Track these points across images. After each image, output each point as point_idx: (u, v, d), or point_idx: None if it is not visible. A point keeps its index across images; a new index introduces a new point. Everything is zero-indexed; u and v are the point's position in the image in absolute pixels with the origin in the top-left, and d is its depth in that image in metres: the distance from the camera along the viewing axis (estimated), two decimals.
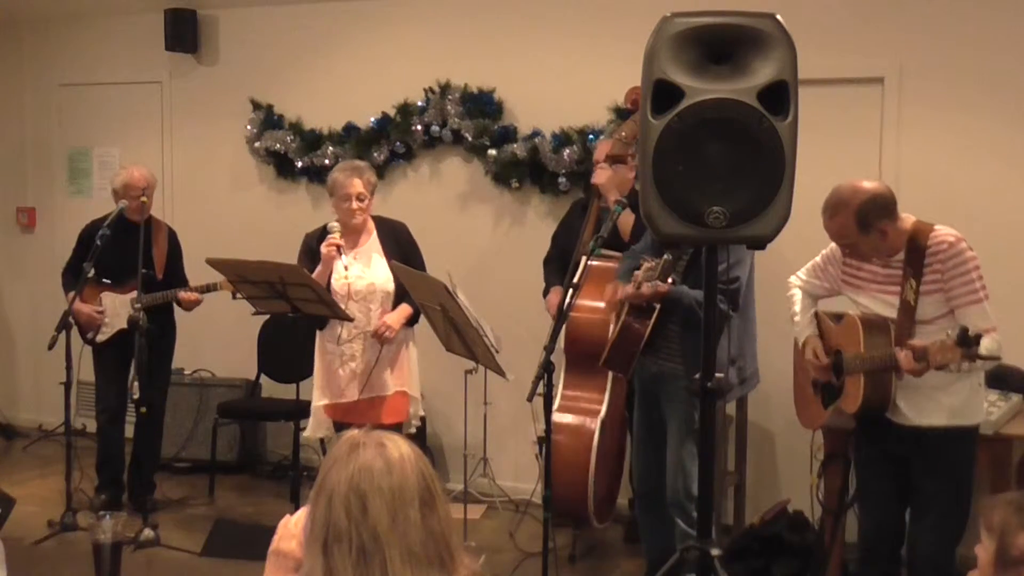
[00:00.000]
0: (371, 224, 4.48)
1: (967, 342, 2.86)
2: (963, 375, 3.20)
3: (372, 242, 4.45)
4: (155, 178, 5.17)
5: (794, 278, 3.68)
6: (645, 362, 3.86)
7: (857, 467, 3.64)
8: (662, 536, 3.94)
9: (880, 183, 3.32)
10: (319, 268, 4.33)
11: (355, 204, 4.33)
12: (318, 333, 4.48)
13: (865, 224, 3.19)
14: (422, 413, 4.63)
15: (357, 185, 4.33)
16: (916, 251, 3.21)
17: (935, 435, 3.26)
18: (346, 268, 4.32)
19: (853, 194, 3.22)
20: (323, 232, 4.44)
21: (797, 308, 3.62)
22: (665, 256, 3.37)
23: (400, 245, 4.45)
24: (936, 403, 3.25)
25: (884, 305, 3.31)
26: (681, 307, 3.64)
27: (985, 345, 2.97)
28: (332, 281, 4.35)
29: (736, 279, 3.66)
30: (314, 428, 4.54)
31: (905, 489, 3.42)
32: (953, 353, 2.89)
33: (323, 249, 4.30)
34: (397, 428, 4.34)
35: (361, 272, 4.37)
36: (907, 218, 3.28)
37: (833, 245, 3.49)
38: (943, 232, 3.22)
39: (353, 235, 4.42)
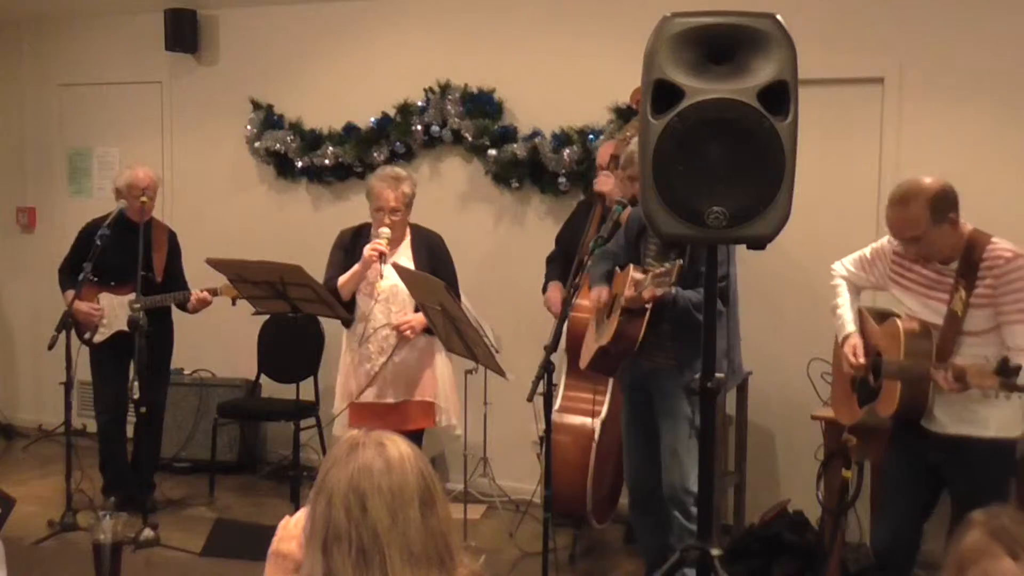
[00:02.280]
0: (406, 230, 4.47)
1: (1007, 372, 2.83)
2: None
3: (404, 248, 4.43)
4: (158, 179, 5.17)
5: (839, 266, 3.61)
6: (635, 361, 3.85)
7: (884, 473, 3.57)
8: (659, 537, 3.93)
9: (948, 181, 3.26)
10: (356, 267, 4.32)
11: (388, 218, 4.31)
12: (345, 332, 4.49)
13: (937, 214, 3.14)
14: (455, 422, 4.57)
15: (391, 199, 4.29)
16: (970, 261, 3.16)
17: (974, 445, 3.19)
18: (381, 276, 4.29)
19: (923, 185, 3.18)
20: (358, 230, 4.44)
21: (840, 300, 3.55)
22: (679, 261, 3.35)
23: (432, 256, 4.43)
24: (975, 415, 3.19)
25: (930, 311, 3.25)
26: (677, 309, 3.64)
27: None
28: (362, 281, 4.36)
29: (726, 276, 3.66)
30: (340, 427, 4.56)
31: (930, 500, 3.38)
32: (991, 380, 2.86)
33: (366, 251, 4.27)
34: (418, 435, 4.34)
35: (387, 274, 4.34)
36: (965, 225, 3.24)
37: (883, 240, 3.46)
38: (1001, 245, 3.18)
39: (393, 241, 4.38)
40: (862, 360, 3.41)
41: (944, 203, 3.16)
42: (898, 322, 3.32)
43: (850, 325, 3.49)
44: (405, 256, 4.41)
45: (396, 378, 4.36)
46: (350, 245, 4.45)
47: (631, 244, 3.88)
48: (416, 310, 4.34)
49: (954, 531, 3.24)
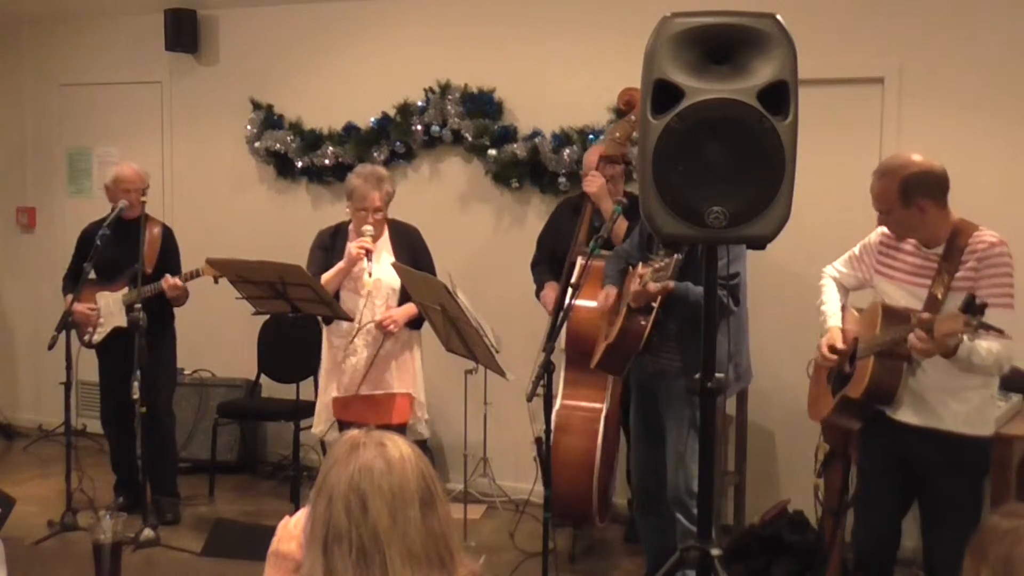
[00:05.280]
0: (385, 225, 4.48)
1: (972, 308, 2.80)
2: (977, 385, 3.18)
3: (383, 242, 4.44)
4: (146, 175, 5.14)
5: (829, 268, 3.65)
6: (642, 361, 3.86)
7: (860, 473, 3.59)
8: (661, 536, 3.93)
9: (938, 163, 3.25)
10: (341, 265, 4.31)
11: (372, 217, 4.31)
12: (325, 328, 4.49)
13: (906, 196, 3.16)
14: (427, 417, 4.58)
15: (375, 199, 4.30)
16: (955, 247, 3.18)
17: (943, 439, 3.21)
18: (369, 275, 4.29)
19: (906, 163, 3.21)
20: (336, 229, 4.46)
21: (825, 297, 3.57)
22: (676, 255, 3.35)
23: (412, 249, 4.45)
24: (944, 407, 3.20)
25: (912, 297, 3.26)
26: (687, 305, 3.64)
27: (991, 347, 2.98)
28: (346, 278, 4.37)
29: (736, 275, 3.67)
30: (320, 423, 4.56)
31: (907, 496, 3.39)
32: (956, 321, 2.82)
33: (352, 248, 4.27)
34: (401, 429, 4.34)
35: (373, 271, 4.37)
36: (952, 213, 3.25)
37: (872, 235, 3.48)
38: (987, 233, 3.19)
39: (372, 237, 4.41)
40: (840, 346, 3.40)
41: (918, 187, 3.16)
42: (877, 303, 3.35)
43: (832, 319, 3.51)
44: (386, 250, 4.42)
45: (383, 371, 4.36)
46: (330, 244, 4.46)
47: (643, 244, 3.88)
48: (400, 304, 4.36)
49: (935, 532, 3.27)
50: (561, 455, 4.35)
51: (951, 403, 3.19)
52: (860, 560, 3.57)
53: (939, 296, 3.16)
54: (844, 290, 3.61)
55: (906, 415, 3.27)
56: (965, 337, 2.87)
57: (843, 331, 3.46)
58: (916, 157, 3.25)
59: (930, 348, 2.98)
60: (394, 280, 4.35)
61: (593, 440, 4.42)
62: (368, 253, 4.26)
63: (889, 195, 3.20)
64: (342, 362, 4.39)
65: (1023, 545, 1.81)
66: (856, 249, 3.57)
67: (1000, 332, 2.83)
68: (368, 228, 4.29)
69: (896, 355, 3.18)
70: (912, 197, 3.17)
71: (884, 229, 3.41)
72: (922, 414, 3.23)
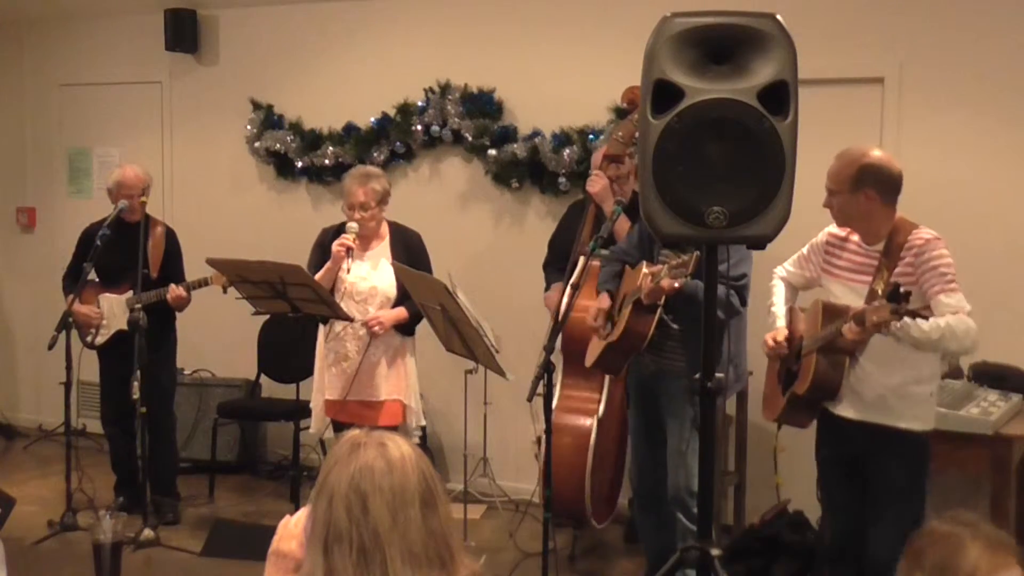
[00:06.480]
0: (386, 230, 4.48)
1: (896, 297, 2.90)
2: (914, 380, 3.26)
3: (383, 247, 4.44)
4: (148, 177, 5.14)
5: (779, 269, 3.73)
6: (642, 360, 3.85)
7: (819, 467, 3.66)
8: (661, 536, 3.93)
9: (899, 167, 3.33)
10: (328, 264, 4.34)
11: (357, 214, 4.33)
12: (321, 329, 4.49)
13: (858, 181, 3.25)
14: (423, 423, 4.58)
15: (359, 195, 4.32)
16: (894, 244, 3.28)
17: (880, 433, 3.29)
18: (347, 271, 4.31)
19: (868, 153, 3.30)
20: (339, 228, 4.46)
21: (775, 299, 3.67)
22: (696, 252, 3.35)
23: (410, 254, 4.44)
24: (883, 402, 3.28)
25: (855, 294, 3.34)
26: (696, 303, 3.63)
27: (949, 321, 3.09)
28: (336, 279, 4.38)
29: (744, 275, 3.68)
30: (315, 424, 4.56)
31: (864, 487, 3.45)
32: (884, 310, 2.93)
33: (333, 247, 4.31)
34: (391, 431, 4.32)
35: (366, 274, 4.37)
36: (897, 213, 3.34)
37: (820, 235, 3.57)
38: (924, 230, 3.28)
39: (365, 239, 4.41)
40: (783, 346, 3.49)
41: (871, 177, 3.26)
42: (819, 301, 3.44)
43: (780, 320, 3.60)
44: (384, 254, 4.43)
45: (372, 377, 4.35)
46: (328, 242, 4.46)
47: (643, 242, 3.87)
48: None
49: (873, 529, 3.30)
50: (554, 455, 4.34)
51: (888, 398, 3.28)
52: (835, 554, 3.63)
53: (879, 291, 3.24)
54: (793, 290, 3.70)
55: (846, 410, 3.35)
56: (893, 325, 2.98)
57: (790, 330, 3.56)
58: (880, 152, 3.35)
59: (863, 338, 3.10)
60: (390, 288, 4.35)
61: (585, 441, 4.41)
62: (348, 250, 4.27)
63: (842, 176, 3.29)
64: (332, 364, 4.40)
65: (958, 555, 1.77)
66: (805, 249, 3.64)
67: (925, 316, 2.93)
68: (352, 226, 4.30)
69: (838, 350, 3.28)
70: (862, 184, 3.26)
71: (831, 229, 3.51)
72: (860, 408, 3.32)
